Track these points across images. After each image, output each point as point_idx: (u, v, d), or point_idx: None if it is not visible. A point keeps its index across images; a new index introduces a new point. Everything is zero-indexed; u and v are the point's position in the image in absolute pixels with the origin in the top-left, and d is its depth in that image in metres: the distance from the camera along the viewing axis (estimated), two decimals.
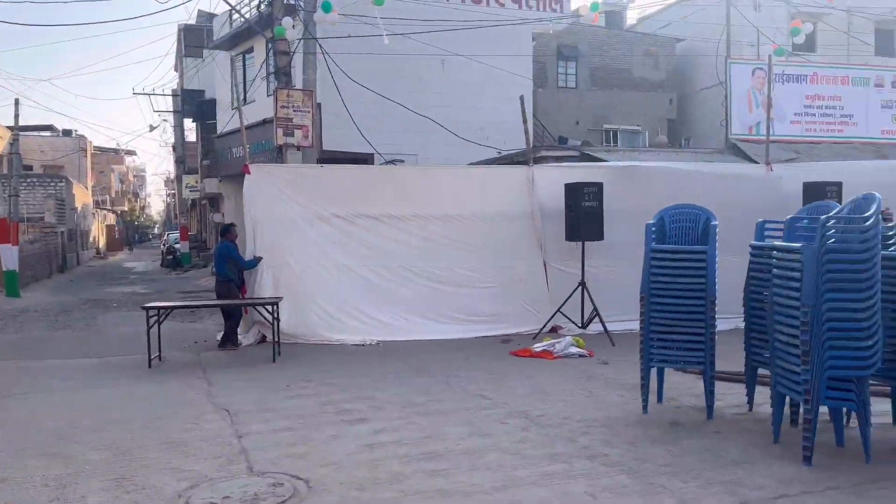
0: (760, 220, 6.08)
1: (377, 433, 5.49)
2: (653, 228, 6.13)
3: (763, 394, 5.80)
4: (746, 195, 10.49)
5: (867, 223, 4.60)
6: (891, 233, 5.53)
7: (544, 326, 9.83)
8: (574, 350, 8.68)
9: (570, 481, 4.38)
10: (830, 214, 4.86)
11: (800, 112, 17.21)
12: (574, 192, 9.78)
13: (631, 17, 32.24)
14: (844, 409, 5.15)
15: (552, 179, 10.42)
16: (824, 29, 25.12)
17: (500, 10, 18.80)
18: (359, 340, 9.55)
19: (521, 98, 10.60)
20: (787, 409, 5.39)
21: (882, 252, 4.95)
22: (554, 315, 9.81)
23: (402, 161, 16.42)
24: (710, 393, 5.82)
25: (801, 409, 4.88)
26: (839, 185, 10.28)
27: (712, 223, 6.04)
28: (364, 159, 15.61)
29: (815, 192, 10.11)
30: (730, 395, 6.38)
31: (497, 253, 10.26)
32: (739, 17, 23.04)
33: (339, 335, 9.65)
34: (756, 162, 12.66)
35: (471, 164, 14.42)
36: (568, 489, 4.26)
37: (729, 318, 7.31)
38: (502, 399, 6.53)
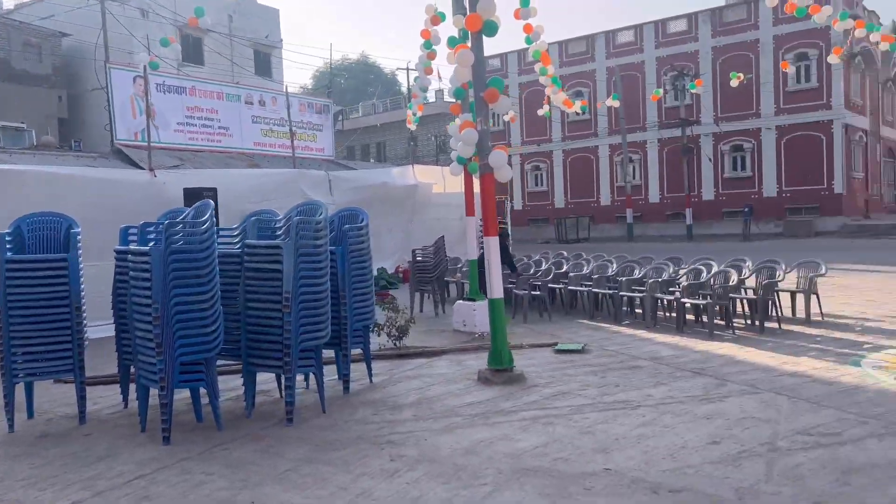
0: (124, 225, 6.39)
1: None
2: (8, 238, 5.82)
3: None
4: (132, 200, 10.76)
5: (204, 227, 5.36)
6: (236, 234, 6.58)
7: None
8: None
9: None
10: (176, 220, 5.50)
11: (182, 122, 18.31)
12: None
13: (8, 2, 28.83)
14: (201, 390, 5.89)
15: None
16: (211, 47, 27.34)
17: None
18: None
19: None
20: (156, 400, 5.87)
21: (221, 249, 5.88)
22: None
23: None
24: (81, 399, 5.89)
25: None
26: (214, 190, 11.50)
27: (73, 230, 6.07)
28: None
29: (194, 196, 11.06)
30: (108, 398, 6.57)
31: None
32: (128, 22, 23.15)
33: None
34: (142, 167, 13.01)
35: None
36: None
37: (112, 322, 7.42)
38: None
